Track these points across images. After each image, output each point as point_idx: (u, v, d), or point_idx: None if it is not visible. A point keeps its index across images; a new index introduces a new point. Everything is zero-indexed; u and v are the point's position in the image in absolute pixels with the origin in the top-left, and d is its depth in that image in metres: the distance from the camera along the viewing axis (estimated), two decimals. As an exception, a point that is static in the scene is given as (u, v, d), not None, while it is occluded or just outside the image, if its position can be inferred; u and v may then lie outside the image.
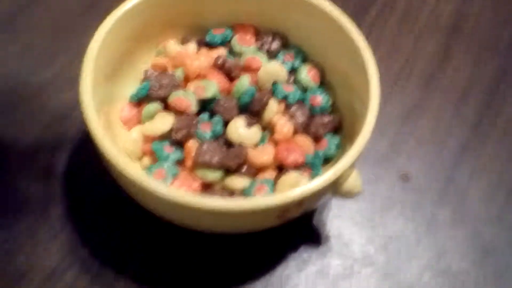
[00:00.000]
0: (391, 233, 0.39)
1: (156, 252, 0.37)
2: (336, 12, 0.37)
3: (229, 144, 0.36)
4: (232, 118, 0.36)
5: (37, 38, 0.45)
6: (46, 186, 0.39)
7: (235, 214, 0.30)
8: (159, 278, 0.36)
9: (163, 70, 0.38)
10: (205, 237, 0.37)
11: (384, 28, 0.48)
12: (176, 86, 0.37)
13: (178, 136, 0.35)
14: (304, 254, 0.38)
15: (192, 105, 0.36)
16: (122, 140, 0.36)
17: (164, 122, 0.36)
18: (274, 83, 0.38)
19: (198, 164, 0.35)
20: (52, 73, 0.44)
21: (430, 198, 0.40)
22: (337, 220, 0.39)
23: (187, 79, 0.38)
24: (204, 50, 0.39)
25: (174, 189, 0.30)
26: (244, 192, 0.35)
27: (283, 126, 0.36)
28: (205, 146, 0.35)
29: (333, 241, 0.38)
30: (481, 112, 0.44)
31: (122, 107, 0.38)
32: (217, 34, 0.40)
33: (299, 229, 0.38)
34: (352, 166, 0.32)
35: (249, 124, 0.36)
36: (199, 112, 0.37)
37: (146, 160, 0.36)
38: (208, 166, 0.35)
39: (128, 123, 0.37)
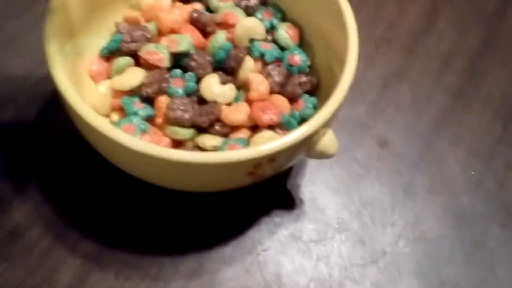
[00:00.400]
0: (366, 199, 0.38)
1: (123, 212, 0.36)
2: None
3: (202, 101, 0.35)
4: (205, 74, 0.35)
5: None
6: (12, 142, 0.37)
7: (204, 167, 0.29)
8: (125, 239, 0.35)
9: (135, 24, 0.37)
10: (175, 197, 0.36)
11: (367, -8, 0.47)
12: (148, 39, 0.35)
13: (149, 91, 0.34)
14: (277, 218, 0.36)
15: (164, 59, 0.35)
16: (90, 95, 0.35)
17: (134, 76, 0.34)
18: (251, 40, 0.36)
19: (169, 120, 0.33)
20: (32, 19, 0.42)
21: (407, 164, 0.39)
22: (312, 185, 0.38)
23: (160, 34, 0.36)
24: (179, 4, 0.38)
25: (141, 140, 0.29)
26: (216, 151, 0.33)
27: (259, 84, 0.35)
28: (177, 101, 0.34)
29: (307, 205, 0.37)
30: (463, 80, 0.43)
31: (92, 60, 0.36)
32: (193, -12, 0.38)
33: (272, 192, 0.37)
34: (326, 124, 0.31)
35: (224, 82, 0.35)
36: (171, 69, 0.35)
37: (115, 116, 0.35)
38: (179, 122, 0.33)
39: (97, 77, 0.36)
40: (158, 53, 0.35)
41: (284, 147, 0.30)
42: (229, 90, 0.35)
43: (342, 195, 0.38)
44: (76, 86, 0.32)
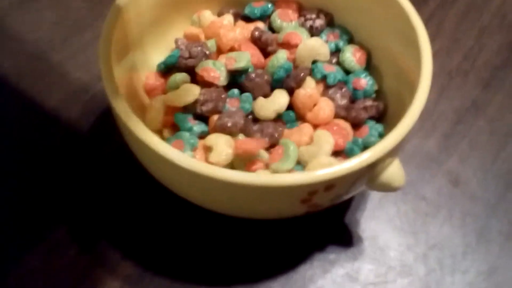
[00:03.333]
0: (434, 242, 0.34)
1: (168, 235, 0.33)
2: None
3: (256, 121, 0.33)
4: (263, 95, 0.33)
5: (74, 5, 0.44)
6: (61, 156, 0.36)
7: (254, 189, 0.26)
8: (167, 264, 0.33)
9: (195, 40, 0.35)
10: (223, 222, 0.33)
11: (443, 20, 0.44)
12: (206, 56, 0.34)
13: (204, 109, 0.32)
14: (332, 254, 0.33)
15: (220, 77, 0.33)
16: (144, 110, 0.34)
17: (189, 92, 0.33)
18: (314, 62, 0.34)
19: (216, 128, 0.31)
20: (86, 41, 0.42)
21: (483, 206, 0.35)
22: (373, 221, 0.34)
23: (219, 52, 0.35)
24: (241, 23, 0.36)
25: (187, 156, 0.27)
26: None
27: (323, 107, 0.32)
28: (225, 113, 0.32)
29: (366, 244, 0.34)
30: (548, 118, 0.39)
31: (148, 75, 0.35)
32: (256, 6, 0.36)
33: (328, 226, 0.34)
34: (392, 152, 0.28)
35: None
36: (229, 88, 0.34)
37: (166, 133, 0.33)
38: (225, 130, 0.31)
39: (152, 93, 0.34)
40: (215, 71, 0.33)
41: (344, 173, 0.27)
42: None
43: (407, 235, 0.34)
44: (130, 101, 0.31)
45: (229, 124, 0.31)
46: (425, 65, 0.30)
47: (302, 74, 0.32)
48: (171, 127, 0.33)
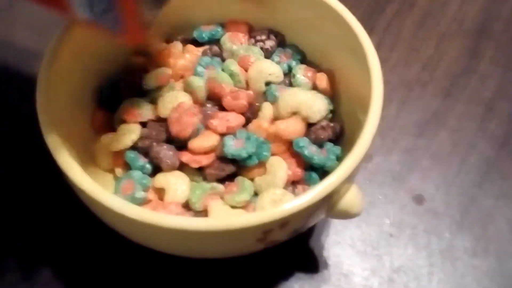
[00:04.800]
0: (399, 264, 0.33)
1: (120, 275, 0.32)
2: (340, 8, 0.32)
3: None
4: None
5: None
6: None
7: (202, 235, 0.25)
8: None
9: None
10: (179, 262, 0.32)
11: (401, 29, 0.43)
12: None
13: (140, 145, 0.31)
14: (295, 284, 0.32)
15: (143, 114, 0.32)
16: (92, 149, 0.32)
17: (127, 134, 0.31)
18: (267, 84, 0.33)
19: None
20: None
21: (448, 223, 0.34)
22: (336, 246, 0.34)
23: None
24: (189, 47, 0.35)
25: (126, 202, 0.26)
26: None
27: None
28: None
29: (330, 271, 0.33)
30: (510, 127, 0.38)
31: (96, 111, 0.33)
32: (205, 30, 0.35)
33: (290, 255, 0.33)
34: (348, 180, 0.27)
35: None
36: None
37: (119, 172, 0.32)
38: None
39: (100, 130, 0.33)
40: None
41: (298, 210, 0.26)
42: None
43: (371, 259, 0.33)
44: (72, 141, 0.29)
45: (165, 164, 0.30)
46: (375, 85, 0.29)
47: (257, 104, 0.32)
48: (123, 165, 0.32)
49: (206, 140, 0.31)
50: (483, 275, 0.33)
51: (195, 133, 0.31)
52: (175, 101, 0.32)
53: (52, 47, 0.30)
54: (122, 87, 0.33)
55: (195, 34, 0.35)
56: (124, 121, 0.32)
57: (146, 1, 0.27)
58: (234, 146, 0.30)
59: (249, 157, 0.30)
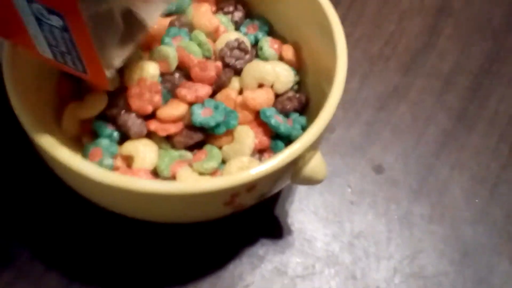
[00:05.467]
0: (359, 230, 0.34)
1: (92, 244, 0.33)
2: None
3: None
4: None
5: None
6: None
7: (173, 198, 0.26)
8: (93, 275, 0.32)
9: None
10: (146, 228, 0.33)
11: (364, 6, 0.44)
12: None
13: (108, 113, 0.31)
14: (260, 250, 0.33)
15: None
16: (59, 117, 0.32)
17: (95, 103, 0.31)
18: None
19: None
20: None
21: (406, 192, 0.36)
22: (300, 213, 0.35)
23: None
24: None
25: (98, 167, 0.26)
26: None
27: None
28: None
29: (293, 236, 0.34)
30: (466, 100, 0.40)
31: (60, 80, 0.33)
32: (172, 1, 0.35)
33: (255, 222, 0.34)
34: (312, 147, 0.28)
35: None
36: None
37: (86, 139, 0.32)
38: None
39: (65, 98, 0.33)
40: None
41: (264, 174, 0.27)
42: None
43: (333, 225, 0.35)
44: (41, 107, 0.29)
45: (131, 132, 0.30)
46: (340, 58, 0.30)
47: (224, 77, 0.32)
48: (90, 133, 0.32)
49: (174, 109, 0.31)
50: (439, 240, 0.34)
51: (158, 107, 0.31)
52: (140, 72, 0.32)
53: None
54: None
55: (162, 5, 0.35)
56: (89, 90, 0.32)
57: (110, 45, 0.27)
58: (202, 115, 0.31)
59: (217, 125, 0.31)
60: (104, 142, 0.30)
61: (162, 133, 0.31)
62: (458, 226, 0.35)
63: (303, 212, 0.35)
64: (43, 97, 0.31)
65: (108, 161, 0.30)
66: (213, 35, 0.34)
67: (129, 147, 0.31)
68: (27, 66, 0.30)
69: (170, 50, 0.32)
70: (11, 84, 0.28)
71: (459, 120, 0.39)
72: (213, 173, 0.31)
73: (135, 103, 0.31)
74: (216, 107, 0.31)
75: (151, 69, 0.32)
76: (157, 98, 0.31)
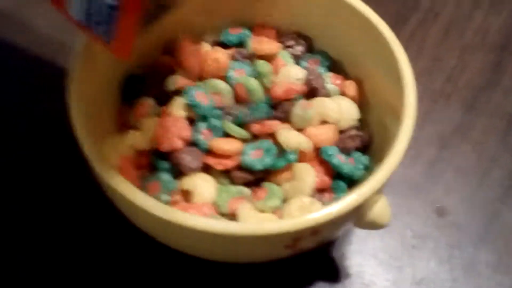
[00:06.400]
0: (421, 277, 0.33)
1: (150, 279, 0.32)
2: (372, 15, 0.32)
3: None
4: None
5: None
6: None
7: (233, 239, 0.25)
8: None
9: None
10: (202, 265, 0.32)
11: (425, 40, 0.43)
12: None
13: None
14: (318, 293, 0.32)
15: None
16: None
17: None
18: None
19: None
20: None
21: (470, 236, 0.34)
22: (358, 256, 0.33)
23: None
24: (218, 48, 0.34)
25: (157, 202, 0.25)
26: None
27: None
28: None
29: (351, 280, 0.32)
30: (533, 141, 0.38)
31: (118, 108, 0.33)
32: (232, 33, 0.35)
33: (311, 263, 0.33)
34: (379, 191, 0.27)
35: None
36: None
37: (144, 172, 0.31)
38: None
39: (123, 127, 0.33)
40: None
41: (330, 218, 0.25)
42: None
43: (393, 270, 0.33)
44: (98, 136, 0.29)
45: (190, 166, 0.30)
46: (408, 95, 0.29)
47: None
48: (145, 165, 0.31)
49: (226, 144, 0.31)
50: (505, 291, 0.32)
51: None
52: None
53: (85, 42, 0.29)
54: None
55: (223, 37, 0.35)
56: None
57: (146, 19, 0.27)
58: (252, 157, 0.30)
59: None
60: (164, 176, 0.30)
61: (219, 167, 0.30)
62: (526, 277, 0.33)
63: (361, 254, 0.33)
64: (102, 125, 0.31)
65: (165, 197, 0.29)
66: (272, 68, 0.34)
67: (188, 181, 0.30)
68: (90, 92, 0.29)
69: (224, 86, 0.32)
70: (76, 113, 0.28)
71: (526, 162, 0.37)
72: (273, 212, 0.29)
73: (162, 144, 0.30)
74: (267, 150, 0.30)
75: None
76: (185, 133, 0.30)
